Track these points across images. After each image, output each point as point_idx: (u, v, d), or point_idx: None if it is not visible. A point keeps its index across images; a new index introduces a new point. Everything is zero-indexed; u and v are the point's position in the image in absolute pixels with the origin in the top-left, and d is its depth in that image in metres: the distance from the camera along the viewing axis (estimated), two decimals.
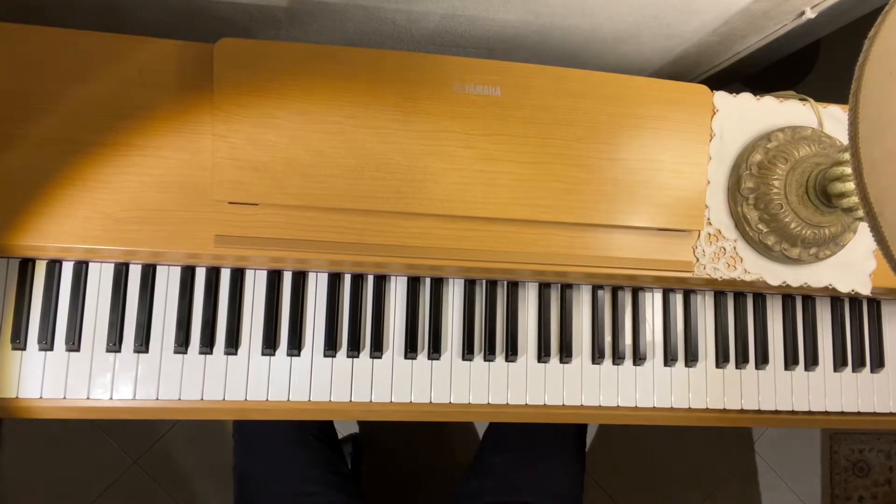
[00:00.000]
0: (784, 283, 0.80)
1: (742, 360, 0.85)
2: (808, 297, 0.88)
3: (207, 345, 0.74)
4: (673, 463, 1.62)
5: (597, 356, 0.82)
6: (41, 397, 0.71)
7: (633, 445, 1.60)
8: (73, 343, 0.72)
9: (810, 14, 0.87)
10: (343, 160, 0.69)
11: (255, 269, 0.77)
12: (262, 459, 0.85)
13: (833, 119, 0.82)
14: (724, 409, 0.84)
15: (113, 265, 0.74)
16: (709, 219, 0.79)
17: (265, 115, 0.67)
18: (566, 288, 0.82)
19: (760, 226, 0.77)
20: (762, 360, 0.85)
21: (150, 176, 0.70)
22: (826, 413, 0.86)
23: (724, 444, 1.65)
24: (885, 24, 0.53)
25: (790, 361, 0.86)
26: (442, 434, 1.51)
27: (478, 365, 0.80)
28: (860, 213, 0.68)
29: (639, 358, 0.83)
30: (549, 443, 0.89)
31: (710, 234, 0.79)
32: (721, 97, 0.80)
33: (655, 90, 0.74)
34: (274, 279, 0.77)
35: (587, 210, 0.73)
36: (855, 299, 0.89)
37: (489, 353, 0.80)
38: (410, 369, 0.78)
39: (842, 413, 0.87)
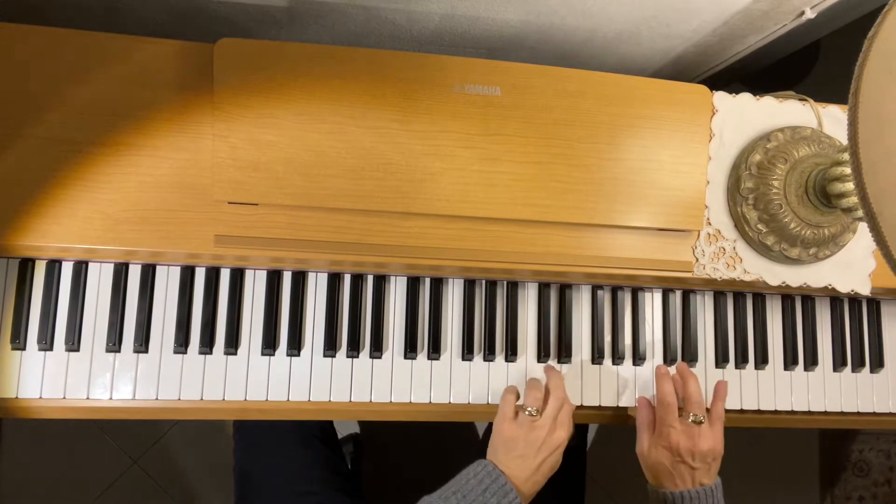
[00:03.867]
0: (783, 283, 0.80)
1: (741, 361, 0.85)
2: (808, 298, 0.88)
3: (207, 345, 0.74)
4: None
5: (596, 356, 0.82)
6: (41, 397, 0.71)
7: (633, 445, 1.60)
8: (73, 343, 0.72)
9: (810, 14, 0.87)
10: (343, 160, 0.69)
11: (254, 269, 0.77)
12: (262, 459, 0.85)
13: (833, 119, 0.82)
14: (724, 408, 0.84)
15: (113, 265, 0.74)
16: (708, 219, 0.79)
17: (265, 115, 0.68)
18: (566, 288, 0.82)
19: (760, 226, 0.77)
20: (762, 360, 0.85)
21: (150, 176, 0.70)
22: (826, 413, 0.86)
23: (725, 444, 1.65)
24: (885, 24, 0.53)
25: (790, 361, 0.86)
26: (442, 434, 1.50)
27: (477, 365, 0.80)
28: (859, 213, 0.68)
29: (638, 358, 0.83)
30: None
31: (709, 235, 0.79)
32: (721, 97, 0.80)
33: (655, 90, 0.74)
34: (274, 279, 0.77)
35: (587, 210, 0.73)
36: (854, 299, 0.89)
37: (489, 354, 0.80)
38: (410, 369, 0.78)
39: (841, 413, 0.87)
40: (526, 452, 0.68)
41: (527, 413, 0.70)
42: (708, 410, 0.76)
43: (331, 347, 0.77)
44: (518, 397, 0.74)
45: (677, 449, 0.72)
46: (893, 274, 0.54)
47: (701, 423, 0.73)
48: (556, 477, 0.72)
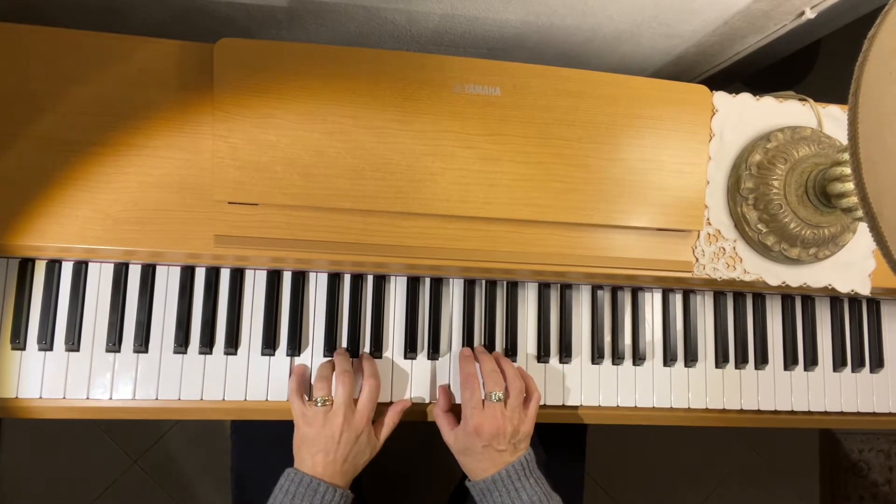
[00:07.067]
0: (783, 283, 0.80)
1: (741, 361, 0.85)
2: (808, 298, 0.88)
3: (207, 345, 0.74)
4: (672, 463, 1.62)
5: (596, 356, 0.82)
6: (41, 397, 0.71)
7: (633, 445, 1.60)
8: (73, 343, 0.72)
9: (810, 14, 0.87)
10: (343, 160, 0.69)
11: (254, 269, 0.77)
12: (260, 460, 0.85)
13: (832, 119, 0.82)
14: (724, 409, 0.84)
15: (112, 265, 0.74)
16: (708, 219, 0.79)
17: (265, 115, 0.68)
18: (566, 288, 0.82)
19: (760, 226, 0.77)
20: (762, 360, 0.85)
21: (150, 176, 0.70)
22: (826, 413, 0.86)
23: (724, 444, 1.65)
24: (885, 24, 0.53)
25: (789, 361, 0.86)
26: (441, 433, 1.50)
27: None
28: (859, 213, 0.68)
29: (638, 358, 0.83)
30: (549, 443, 0.89)
31: (709, 235, 0.79)
32: (721, 97, 0.80)
33: (655, 90, 0.74)
34: (274, 279, 0.77)
35: (587, 210, 0.73)
36: (854, 299, 0.89)
37: None
38: (410, 369, 0.78)
39: (841, 413, 0.87)
40: (327, 447, 0.68)
41: (318, 405, 0.69)
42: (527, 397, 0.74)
43: (331, 348, 0.77)
44: (303, 396, 0.72)
45: (481, 432, 0.69)
46: (893, 274, 0.54)
47: (500, 400, 0.70)
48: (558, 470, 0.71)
